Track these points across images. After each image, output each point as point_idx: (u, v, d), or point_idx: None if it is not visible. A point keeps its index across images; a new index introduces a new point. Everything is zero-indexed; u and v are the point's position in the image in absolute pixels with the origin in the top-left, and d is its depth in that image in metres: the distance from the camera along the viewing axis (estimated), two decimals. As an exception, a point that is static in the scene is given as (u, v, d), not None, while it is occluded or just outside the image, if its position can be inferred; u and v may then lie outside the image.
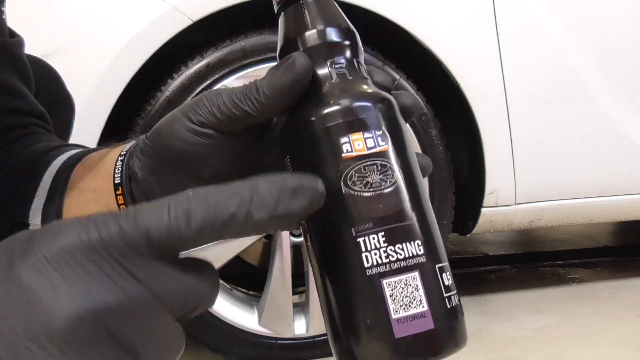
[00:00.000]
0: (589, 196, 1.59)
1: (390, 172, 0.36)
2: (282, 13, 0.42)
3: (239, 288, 1.52)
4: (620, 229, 2.99)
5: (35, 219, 0.54)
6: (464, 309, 0.36)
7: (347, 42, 0.41)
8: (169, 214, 0.31)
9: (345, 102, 0.38)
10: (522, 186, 1.49)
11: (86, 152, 0.56)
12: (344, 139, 0.36)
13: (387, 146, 0.36)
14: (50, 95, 0.91)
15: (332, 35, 0.41)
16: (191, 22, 1.21)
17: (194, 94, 1.25)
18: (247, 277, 1.79)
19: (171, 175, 0.44)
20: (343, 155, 0.36)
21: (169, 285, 0.31)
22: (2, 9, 0.68)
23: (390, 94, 0.41)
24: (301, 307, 1.44)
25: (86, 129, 1.17)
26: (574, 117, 1.53)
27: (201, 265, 0.34)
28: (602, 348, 1.48)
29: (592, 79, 1.52)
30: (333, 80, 0.39)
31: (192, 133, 0.41)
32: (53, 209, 0.53)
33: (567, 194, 1.57)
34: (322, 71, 0.40)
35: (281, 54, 0.42)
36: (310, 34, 0.40)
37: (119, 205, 0.48)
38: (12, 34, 0.72)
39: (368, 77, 0.41)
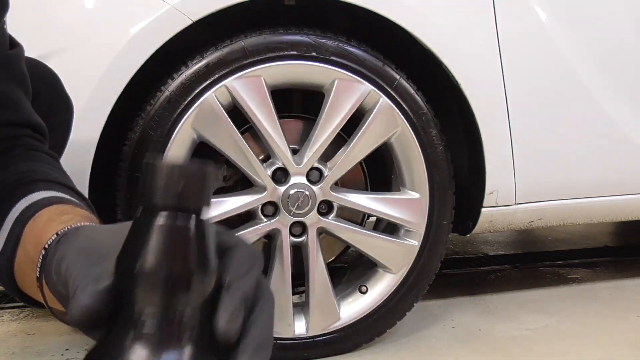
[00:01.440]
0: (589, 196, 1.59)
1: None
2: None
3: (239, 288, 1.51)
4: (620, 229, 2.99)
5: None
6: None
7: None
8: None
9: None
10: (522, 186, 1.49)
11: (42, 204, 0.58)
12: None
13: None
14: (49, 97, 0.91)
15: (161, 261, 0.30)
16: (191, 22, 1.21)
17: (193, 94, 1.25)
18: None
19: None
20: None
21: None
22: (4, 19, 0.68)
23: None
24: (301, 307, 1.44)
25: (86, 129, 1.17)
26: (574, 117, 1.53)
27: None
28: (602, 348, 1.48)
29: (592, 78, 1.52)
30: (130, 337, 0.31)
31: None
32: (4, 259, 0.57)
33: (567, 194, 1.57)
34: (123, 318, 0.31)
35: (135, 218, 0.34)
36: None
37: (39, 290, 0.50)
38: (13, 44, 0.72)
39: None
